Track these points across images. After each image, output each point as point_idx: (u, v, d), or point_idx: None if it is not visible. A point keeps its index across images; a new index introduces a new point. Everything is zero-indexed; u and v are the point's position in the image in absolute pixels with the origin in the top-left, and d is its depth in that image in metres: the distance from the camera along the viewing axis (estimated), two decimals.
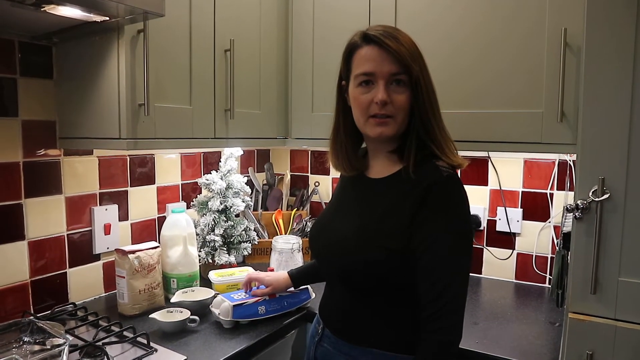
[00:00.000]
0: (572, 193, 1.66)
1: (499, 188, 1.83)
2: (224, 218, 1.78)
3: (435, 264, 0.95)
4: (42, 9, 1.04)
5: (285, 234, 2.06)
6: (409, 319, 1.01)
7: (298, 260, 1.73)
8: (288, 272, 1.42)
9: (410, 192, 0.99)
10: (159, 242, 1.59)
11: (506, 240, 1.84)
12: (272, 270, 1.63)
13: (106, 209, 1.57)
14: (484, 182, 1.86)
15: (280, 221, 2.08)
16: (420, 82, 0.99)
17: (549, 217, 1.75)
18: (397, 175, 1.04)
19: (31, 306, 1.39)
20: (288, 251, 1.70)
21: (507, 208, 1.81)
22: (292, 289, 1.43)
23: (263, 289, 1.38)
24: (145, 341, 1.20)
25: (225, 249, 1.77)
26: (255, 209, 2.12)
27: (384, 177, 1.07)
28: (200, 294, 1.47)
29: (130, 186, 1.67)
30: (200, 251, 1.73)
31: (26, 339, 1.08)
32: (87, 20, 1.14)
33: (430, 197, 0.96)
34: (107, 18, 1.13)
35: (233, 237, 1.80)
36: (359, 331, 1.04)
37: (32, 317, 1.21)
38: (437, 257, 0.95)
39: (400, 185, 1.02)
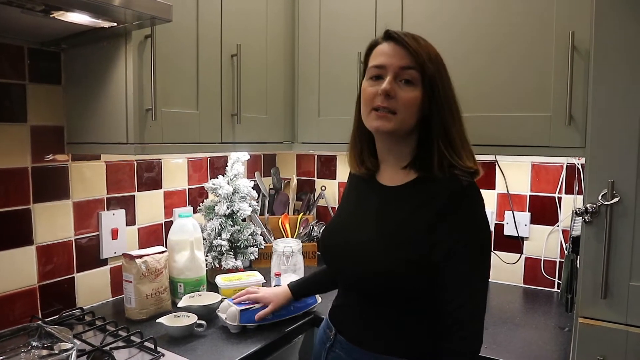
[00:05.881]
0: (581, 197, 1.65)
1: (506, 192, 1.82)
2: (231, 222, 1.78)
3: (458, 274, 0.94)
4: (51, 16, 1.05)
5: (292, 238, 2.06)
6: (424, 327, 1.00)
7: (299, 263, 1.74)
8: (288, 285, 1.40)
9: (428, 202, 0.97)
10: (166, 247, 1.59)
11: (514, 244, 1.82)
12: (278, 274, 1.63)
13: (113, 214, 1.58)
14: (492, 186, 1.85)
15: (287, 225, 2.08)
16: (436, 84, 0.98)
17: (557, 221, 1.74)
18: (413, 183, 1.03)
19: (39, 311, 1.39)
20: (289, 254, 1.71)
21: (514, 212, 1.80)
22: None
23: (265, 310, 1.34)
24: (152, 346, 1.20)
25: (232, 253, 1.77)
26: (261, 214, 2.12)
27: (400, 185, 1.05)
28: (207, 298, 1.47)
29: (138, 191, 1.67)
30: (207, 256, 1.73)
31: (34, 343, 1.08)
32: (95, 27, 1.15)
33: (450, 207, 0.95)
34: (115, 24, 1.14)
35: (240, 242, 1.80)
36: (374, 338, 1.03)
37: (40, 322, 1.21)
38: (459, 267, 0.94)
39: (418, 195, 1.01)
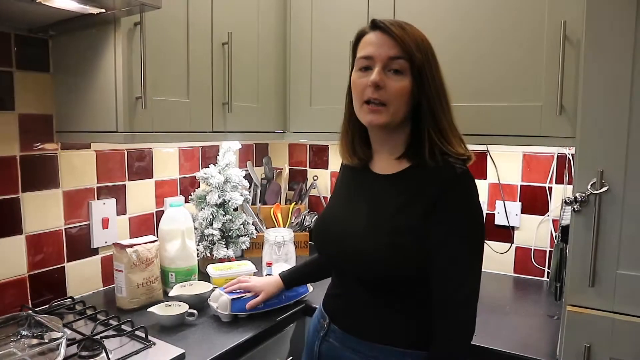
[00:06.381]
0: (571, 187, 1.65)
1: (497, 182, 1.83)
2: (222, 212, 1.78)
3: (452, 260, 0.95)
4: (37, 1, 1.03)
5: (284, 227, 2.06)
6: (420, 315, 1.00)
7: (291, 253, 1.74)
8: (279, 274, 1.40)
9: (423, 190, 0.98)
10: (157, 236, 1.58)
11: (505, 233, 1.84)
12: (270, 264, 1.63)
13: (104, 203, 1.57)
14: (483, 176, 1.85)
15: (279, 215, 2.08)
16: (425, 72, 0.97)
17: (548, 211, 1.75)
18: (407, 172, 1.03)
19: (29, 300, 1.39)
20: (280, 244, 1.71)
21: (505, 202, 1.81)
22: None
23: (256, 299, 1.35)
24: (143, 335, 1.20)
25: (223, 242, 1.77)
26: (253, 203, 2.12)
27: (393, 174, 1.05)
28: (198, 287, 1.46)
29: (128, 180, 1.66)
30: (198, 245, 1.73)
31: (24, 332, 1.07)
32: (84, 13, 1.13)
33: (444, 194, 0.95)
34: (104, 10, 1.12)
35: (231, 231, 1.80)
36: (369, 327, 1.03)
37: (30, 311, 1.20)
38: (453, 253, 0.95)
39: (412, 183, 1.00)
